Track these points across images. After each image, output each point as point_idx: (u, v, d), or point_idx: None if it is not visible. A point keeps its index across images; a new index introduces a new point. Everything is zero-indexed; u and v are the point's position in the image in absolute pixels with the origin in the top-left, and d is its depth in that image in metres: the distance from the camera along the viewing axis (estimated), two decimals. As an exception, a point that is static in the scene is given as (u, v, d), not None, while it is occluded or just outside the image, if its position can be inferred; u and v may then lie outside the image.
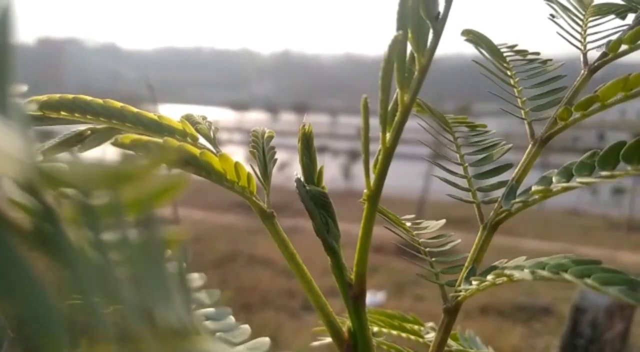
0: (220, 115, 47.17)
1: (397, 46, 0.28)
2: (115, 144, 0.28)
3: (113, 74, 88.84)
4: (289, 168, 13.11)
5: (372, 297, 4.56)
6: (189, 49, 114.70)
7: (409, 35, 0.29)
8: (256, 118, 51.24)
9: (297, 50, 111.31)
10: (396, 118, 0.31)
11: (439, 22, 0.30)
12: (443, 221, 0.47)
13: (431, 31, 0.30)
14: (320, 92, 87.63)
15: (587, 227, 9.23)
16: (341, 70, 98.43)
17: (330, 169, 15.34)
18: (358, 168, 15.37)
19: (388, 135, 0.31)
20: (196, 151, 0.30)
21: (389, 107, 0.30)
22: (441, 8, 0.30)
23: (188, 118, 0.41)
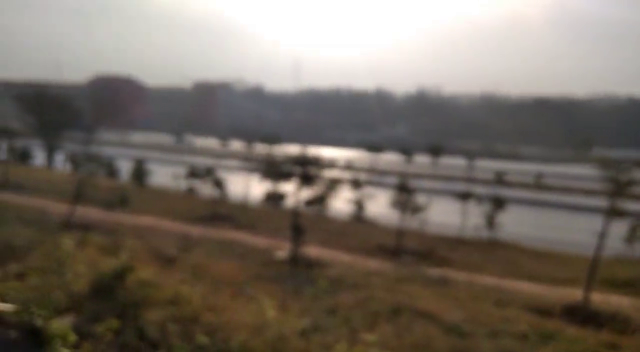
0: (355, 157, 47.58)
1: None
2: None
3: (258, 116, 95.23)
4: (423, 212, 12.68)
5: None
6: (327, 90, 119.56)
7: None
8: (390, 159, 51.03)
9: (432, 91, 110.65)
10: None
11: None
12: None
13: None
14: (456, 134, 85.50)
15: None
16: (478, 111, 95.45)
17: (474, 217, 14.59)
18: (502, 217, 14.34)
19: None
20: None
21: None
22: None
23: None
